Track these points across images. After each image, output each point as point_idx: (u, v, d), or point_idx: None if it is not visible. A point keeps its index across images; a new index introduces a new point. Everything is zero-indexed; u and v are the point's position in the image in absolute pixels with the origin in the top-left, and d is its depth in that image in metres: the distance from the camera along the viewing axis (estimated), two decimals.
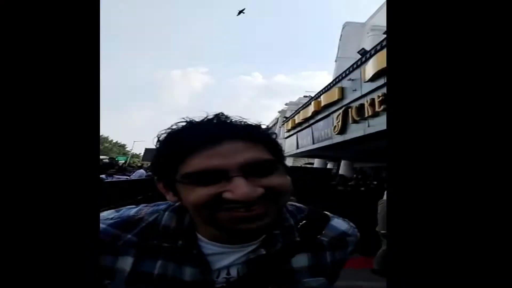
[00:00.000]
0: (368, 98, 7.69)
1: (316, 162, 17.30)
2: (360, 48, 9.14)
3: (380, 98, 7.10)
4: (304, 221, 0.71)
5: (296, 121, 13.94)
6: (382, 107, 7.03)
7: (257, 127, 0.62)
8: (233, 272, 0.65)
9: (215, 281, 0.63)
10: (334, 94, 9.72)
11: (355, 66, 8.65)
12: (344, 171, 13.51)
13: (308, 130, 12.49)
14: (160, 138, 0.63)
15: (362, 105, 8.02)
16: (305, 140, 12.91)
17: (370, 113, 7.52)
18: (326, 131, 10.56)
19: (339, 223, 0.75)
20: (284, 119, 17.85)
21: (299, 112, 13.90)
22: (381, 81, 7.21)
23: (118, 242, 0.64)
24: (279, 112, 21.37)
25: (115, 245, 0.63)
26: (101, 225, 0.65)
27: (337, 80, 9.85)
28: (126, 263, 0.63)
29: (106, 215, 0.67)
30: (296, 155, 15.07)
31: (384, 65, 6.83)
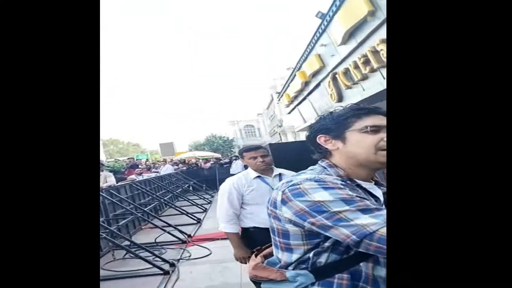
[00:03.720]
0: (350, 61, 7.10)
1: None
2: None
3: (362, 59, 6.51)
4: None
5: (291, 95, 13.36)
6: (367, 68, 6.46)
7: None
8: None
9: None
10: (314, 62, 9.11)
11: (320, 31, 7.99)
12: None
13: (307, 102, 11.94)
14: (337, 110, 1.11)
15: (347, 69, 7.43)
16: (309, 113, 12.37)
17: (359, 77, 6.95)
18: (324, 100, 10.01)
19: None
20: (277, 94, 17.24)
21: (288, 85, 13.29)
22: (353, 42, 6.59)
23: (348, 186, 0.95)
24: (270, 88, 20.65)
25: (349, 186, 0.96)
26: (330, 177, 0.97)
27: (309, 48, 9.20)
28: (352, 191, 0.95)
29: (311, 181, 0.96)
30: (305, 129, 14.56)
31: (350, 24, 6.23)
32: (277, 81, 18.23)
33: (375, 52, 5.98)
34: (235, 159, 15.34)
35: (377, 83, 6.51)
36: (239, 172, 2.90)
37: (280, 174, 2.94)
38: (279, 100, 17.29)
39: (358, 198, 0.87)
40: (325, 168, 1.04)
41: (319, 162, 1.09)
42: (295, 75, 11.66)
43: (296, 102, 13.41)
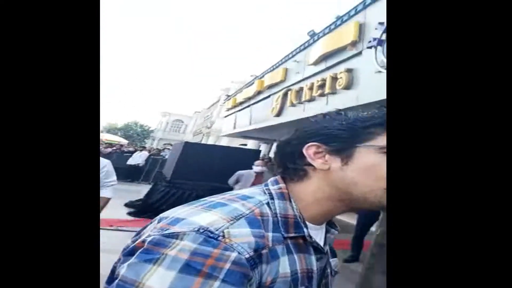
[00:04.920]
0: (308, 82, 7.44)
1: (250, 144, 17.07)
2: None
3: (319, 82, 6.86)
4: None
5: (237, 100, 13.50)
6: (319, 91, 6.80)
7: None
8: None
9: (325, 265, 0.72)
10: (278, 74, 9.41)
11: (302, 47, 8.35)
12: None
13: (247, 110, 12.12)
14: (353, 115, 0.68)
15: (301, 88, 7.76)
16: (243, 120, 12.52)
17: (307, 97, 7.28)
18: (264, 113, 10.24)
19: None
20: (226, 97, 17.36)
21: (241, 91, 13.46)
22: (323, 65, 6.96)
23: (269, 244, 0.58)
24: (222, 90, 20.73)
25: (269, 248, 0.57)
26: (242, 230, 0.56)
27: (283, 60, 9.53)
28: (285, 265, 0.59)
29: (209, 218, 0.55)
30: (231, 135, 14.72)
31: (330, 49, 6.61)
32: (234, 84, 18.41)
33: (334, 79, 6.35)
34: (140, 150, 14.75)
35: (320, 106, 6.86)
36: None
37: None
38: (224, 101, 17.36)
39: None
40: (272, 198, 0.65)
41: (268, 183, 0.69)
42: (253, 82, 11.90)
43: (238, 108, 13.56)
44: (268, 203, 0.64)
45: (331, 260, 0.76)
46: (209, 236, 0.52)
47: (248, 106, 12.05)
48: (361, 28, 5.81)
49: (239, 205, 0.60)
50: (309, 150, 0.66)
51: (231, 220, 0.56)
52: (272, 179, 0.70)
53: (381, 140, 0.64)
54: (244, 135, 13.66)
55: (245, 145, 16.91)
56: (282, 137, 0.73)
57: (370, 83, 5.30)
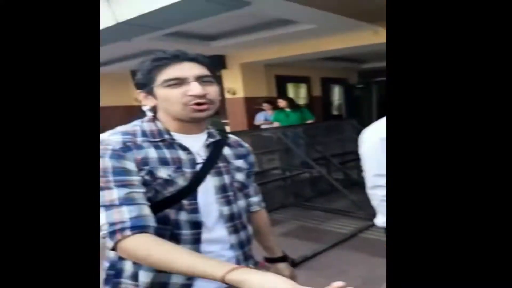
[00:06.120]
0: None
1: None
2: None
3: None
4: (220, 130, 1.12)
5: None
6: None
7: (203, 55, 1.00)
8: (203, 154, 1.00)
9: (195, 158, 0.98)
10: None
11: None
12: None
13: None
14: (145, 61, 0.97)
15: None
16: None
17: None
18: None
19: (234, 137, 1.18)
20: None
21: None
22: None
23: (137, 142, 0.92)
24: None
25: (136, 144, 0.92)
26: (115, 137, 0.91)
27: None
28: (152, 152, 0.92)
29: (111, 136, 0.92)
30: None
31: None
32: None
33: None
34: None
35: None
36: None
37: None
38: None
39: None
40: (142, 122, 1.00)
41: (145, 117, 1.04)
42: None
43: None
44: (139, 126, 0.98)
45: (233, 160, 1.07)
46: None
47: None
48: None
49: (121, 128, 0.96)
50: (141, 97, 1.00)
51: (111, 135, 0.92)
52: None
53: (159, 80, 0.94)
54: None
55: None
56: None
57: None
